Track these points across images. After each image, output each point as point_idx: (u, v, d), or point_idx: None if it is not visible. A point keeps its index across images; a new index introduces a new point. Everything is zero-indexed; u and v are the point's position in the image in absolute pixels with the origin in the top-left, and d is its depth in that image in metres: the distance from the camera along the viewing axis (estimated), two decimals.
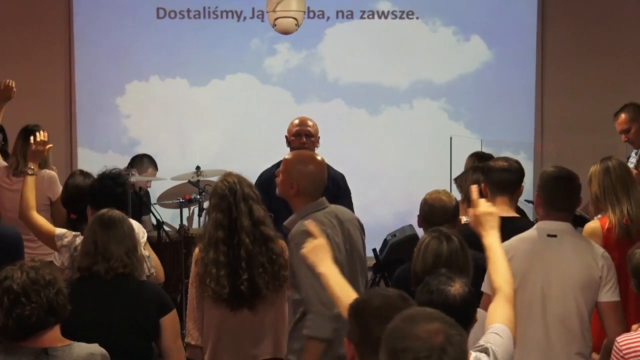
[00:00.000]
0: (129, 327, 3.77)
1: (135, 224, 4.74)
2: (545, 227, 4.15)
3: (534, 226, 4.23)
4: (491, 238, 3.32)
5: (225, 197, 4.26)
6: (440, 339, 2.18)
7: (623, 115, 6.30)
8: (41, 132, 5.01)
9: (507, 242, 4.12)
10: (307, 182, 4.08)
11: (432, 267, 3.50)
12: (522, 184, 4.74)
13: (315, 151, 5.95)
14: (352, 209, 5.92)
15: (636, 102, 6.41)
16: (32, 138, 5.01)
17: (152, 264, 4.52)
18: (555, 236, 4.11)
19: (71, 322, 3.26)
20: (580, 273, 4.07)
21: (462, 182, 5.18)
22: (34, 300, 3.04)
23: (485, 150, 7.23)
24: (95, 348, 3.21)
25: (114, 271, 3.81)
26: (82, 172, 5.00)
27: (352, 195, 7.21)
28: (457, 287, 3.05)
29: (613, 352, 3.52)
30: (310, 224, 3.57)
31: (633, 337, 3.50)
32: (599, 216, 4.80)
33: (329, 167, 5.90)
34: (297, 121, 5.91)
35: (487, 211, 3.36)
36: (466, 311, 3.05)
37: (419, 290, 3.12)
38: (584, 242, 4.21)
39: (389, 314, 2.58)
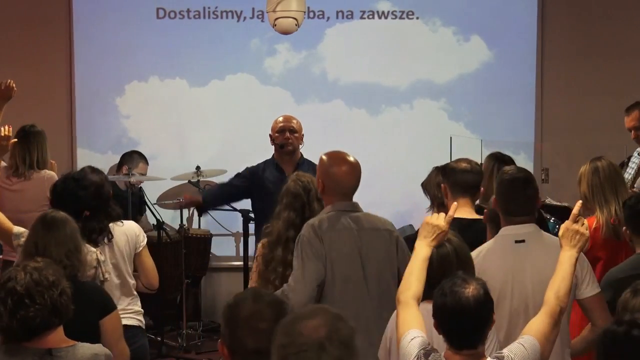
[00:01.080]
0: (68, 328, 3.68)
1: (136, 227, 4.73)
2: (511, 232, 3.94)
3: (499, 233, 4.03)
4: (568, 255, 3.35)
5: (300, 196, 4.33)
6: (321, 334, 2.21)
7: (637, 112, 6.24)
8: (6, 127, 5.00)
9: (477, 254, 3.93)
10: (332, 182, 4.09)
11: (427, 274, 3.49)
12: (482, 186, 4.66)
13: (301, 149, 6.02)
14: None
15: None
16: None
17: (106, 269, 4.36)
18: (523, 241, 3.91)
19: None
20: None
21: (427, 185, 5.12)
22: (37, 301, 3.04)
23: (485, 150, 7.25)
24: (100, 348, 3.22)
25: None
26: (92, 169, 5.00)
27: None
28: (471, 289, 3.04)
29: None
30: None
31: None
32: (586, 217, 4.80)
33: (313, 164, 5.97)
34: (281, 118, 6.01)
35: (580, 231, 3.39)
36: (480, 313, 3.05)
37: (434, 294, 3.11)
38: (553, 242, 3.93)
39: (258, 324, 2.61)
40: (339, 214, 4.05)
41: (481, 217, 4.52)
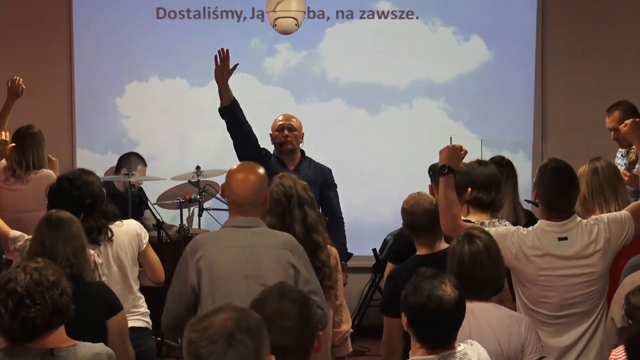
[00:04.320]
0: (75, 328, 3.67)
1: (135, 225, 4.74)
2: (553, 229, 4.11)
3: (538, 226, 4.16)
4: None
5: (280, 203, 4.22)
6: (229, 325, 2.21)
7: (617, 113, 6.31)
8: (3, 133, 5.03)
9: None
10: (227, 189, 3.91)
11: (457, 272, 3.51)
12: (469, 188, 4.63)
13: (301, 147, 6.01)
14: (337, 202, 6.00)
15: (629, 101, 6.42)
16: None
17: (103, 272, 4.34)
18: (565, 239, 4.09)
19: None
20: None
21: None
22: (38, 302, 3.04)
23: (485, 150, 7.25)
24: (101, 347, 3.21)
25: None
26: (83, 170, 5.00)
27: (352, 194, 7.25)
28: (449, 291, 3.05)
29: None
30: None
31: None
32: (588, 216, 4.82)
33: (314, 161, 5.98)
34: (280, 117, 6.01)
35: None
36: (459, 314, 3.07)
37: (410, 292, 3.09)
38: (591, 231, 4.16)
39: (283, 322, 2.64)
40: (231, 230, 3.88)
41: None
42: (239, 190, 3.86)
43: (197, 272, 3.80)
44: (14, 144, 5.16)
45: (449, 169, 4.25)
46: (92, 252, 4.30)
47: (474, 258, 3.55)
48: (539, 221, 4.20)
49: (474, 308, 3.42)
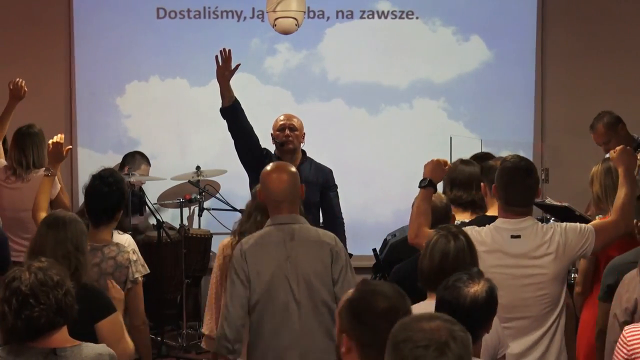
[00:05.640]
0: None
1: (125, 237, 4.64)
2: (508, 227, 4.06)
3: (495, 224, 4.11)
4: None
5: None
6: (443, 335, 2.21)
7: (600, 126, 6.34)
8: (58, 135, 5.03)
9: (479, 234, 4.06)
10: (264, 190, 4.07)
11: (438, 266, 3.55)
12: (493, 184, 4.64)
13: (302, 147, 6.02)
14: (338, 202, 6.02)
15: (609, 111, 6.45)
16: (50, 141, 5.03)
17: (138, 269, 4.35)
18: (519, 237, 4.03)
19: None
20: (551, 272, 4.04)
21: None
22: (42, 301, 3.04)
23: (485, 150, 7.24)
24: (103, 349, 3.21)
25: None
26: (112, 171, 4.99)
27: (351, 194, 7.25)
28: (473, 290, 3.06)
29: (619, 343, 3.50)
30: None
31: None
32: (600, 216, 4.81)
33: (315, 162, 5.99)
34: (282, 117, 6.03)
35: None
36: (473, 316, 3.05)
37: (442, 283, 3.14)
38: (547, 232, 4.09)
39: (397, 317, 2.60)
40: (272, 229, 4.04)
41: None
42: (275, 188, 4.03)
43: (247, 275, 3.97)
44: (70, 147, 5.15)
45: (429, 182, 4.32)
46: (129, 250, 4.31)
47: (457, 254, 3.57)
48: (497, 219, 4.16)
49: None
